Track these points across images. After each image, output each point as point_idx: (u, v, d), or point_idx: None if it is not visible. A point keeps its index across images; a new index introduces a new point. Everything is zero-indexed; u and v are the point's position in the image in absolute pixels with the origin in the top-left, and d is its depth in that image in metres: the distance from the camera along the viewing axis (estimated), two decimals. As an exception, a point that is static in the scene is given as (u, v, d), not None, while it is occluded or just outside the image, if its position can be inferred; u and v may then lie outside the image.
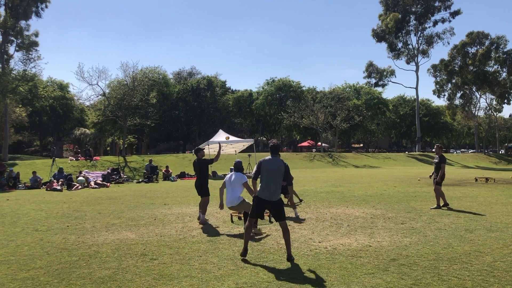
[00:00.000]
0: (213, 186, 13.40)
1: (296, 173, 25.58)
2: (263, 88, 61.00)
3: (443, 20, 50.68)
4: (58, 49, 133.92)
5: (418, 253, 5.88)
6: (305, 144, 64.48)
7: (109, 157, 32.54)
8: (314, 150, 57.66)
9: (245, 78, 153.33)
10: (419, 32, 51.52)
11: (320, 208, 10.34)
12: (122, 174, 22.68)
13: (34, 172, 19.57)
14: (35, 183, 18.71)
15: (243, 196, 7.89)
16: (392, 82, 58.85)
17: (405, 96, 72.33)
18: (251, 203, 7.44)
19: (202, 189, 8.80)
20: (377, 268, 5.17)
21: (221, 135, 25.90)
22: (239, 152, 30.03)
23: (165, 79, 56.06)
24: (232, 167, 7.94)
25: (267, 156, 6.01)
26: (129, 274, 5.09)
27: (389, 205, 10.78)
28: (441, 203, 10.19)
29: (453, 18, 50.31)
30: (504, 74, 51.23)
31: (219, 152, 9.38)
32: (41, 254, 6.20)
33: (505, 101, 52.41)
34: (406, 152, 61.85)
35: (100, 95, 34.73)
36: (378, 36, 51.99)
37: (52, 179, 18.90)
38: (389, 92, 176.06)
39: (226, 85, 65.83)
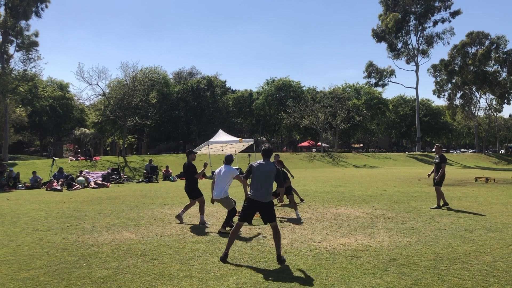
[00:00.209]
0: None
1: (296, 173, 25.58)
2: (263, 88, 60.99)
3: (443, 20, 50.73)
4: (58, 49, 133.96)
5: (418, 253, 5.88)
6: (305, 144, 64.49)
7: (109, 157, 32.54)
8: (314, 150, 57.68)
9: (245, 78, 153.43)
10: (419, 32, 51.55)
11: (320, 208, 10.34)
12: (122, 174, 22.68)
13: (34, 172, 19.58)
14: (35, 183, 18.71)
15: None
16: (392, 82, 58.94)
17: (405, 96, 72.38)
18: (234, 200, 7.68)
19: (193, 192, 8.68)
20: (377, 268, 5.17)
21: (221, 135, 25.88)
22: (239, 152, 30.02)
23: (165, 79, 56.03)
24: (224, 160, 7.97)
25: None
26: (129, 274, 5.09)
27: (389, 205, 10.78)
28: (441, 203, 10.19)
29: (453, 18, 50.38)
30: (504, 74, 51.26)
31: (203, 171, 8.66)
32: (41, 254, 6.20)
33: (505, 101, 52.43)
34: (406, 152, 61.86)
35: (100, 95, 34.75)
36: (378, 36, 52.00)
37: (52, 179, 18.91)
38: (389, 92, 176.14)
39: (226, 85, 65.78)
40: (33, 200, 13.48)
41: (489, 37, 50.09)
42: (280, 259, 5.49)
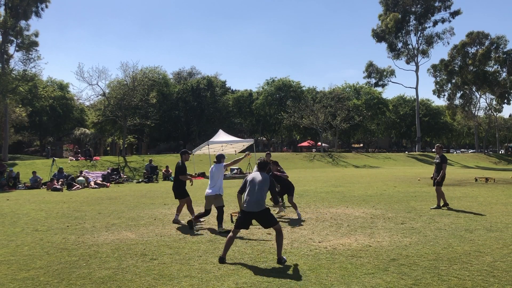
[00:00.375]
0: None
1: (296, 173, 25.59)
2: (263, 88, 60.98)
3: (443, 20, 50.75)
4: (58, 49, 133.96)
5: (418, 253, 5.88)
6: (305, 144, 64.49)
7: (109, 157, 32.54)
8: (314, 150, 57.68)
9: (245, 78, 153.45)
10: (419, 32, 51.56)
11: (320, 208, 10.34)
12: (122, 174, 22.68)
13: (34, 172, 19.58)
14: (35, 183, 18.72)
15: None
16: (392, 82, 58.95)
17: (405, 96, 72.36)
18: (224, 202, 7.85)
19: (180, 193, 8.59)
20: (377, 268, 5.17)
21: (221, 135, 25.86)
22: (239, 152, 30.01)
23: (165, 79, 56.00)
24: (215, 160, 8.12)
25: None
26: (129, 274, 5.09)
27: (389, 205, 10.78)
28: (441, 203, 10.19)
29: (453, 18, 50.41)
30: (504, 74, 51.28)
31: (191, 178, 8.60)
32: (41, 254, 6.19)
33: (505, 101, 52.45)
34: (406, 152, 61.87)
35: (100, 95, 34.76)
36: (378, 36, 52.00)
37: (53, 178, 18.91)
38: (389, 92, 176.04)
39: (226, 85, 65.77)
40: (33, 200, 13.48)
41: (489, 37, 50.14)
42: (281, 261, 5.48)
